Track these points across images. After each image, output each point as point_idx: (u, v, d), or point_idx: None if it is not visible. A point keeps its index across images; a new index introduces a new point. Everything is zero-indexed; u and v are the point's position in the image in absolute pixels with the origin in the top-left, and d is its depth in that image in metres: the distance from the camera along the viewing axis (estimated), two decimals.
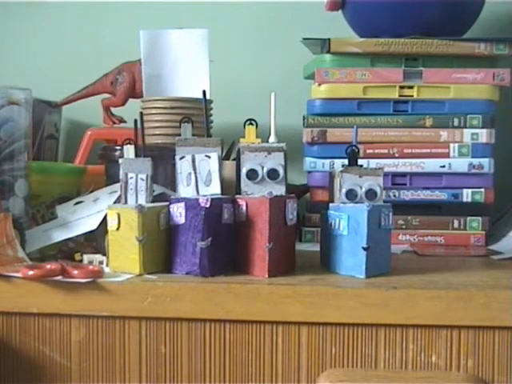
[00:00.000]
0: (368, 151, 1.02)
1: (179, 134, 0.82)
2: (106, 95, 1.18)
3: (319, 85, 1.03)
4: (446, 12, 1.04)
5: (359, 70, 1.02)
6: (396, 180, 1.02)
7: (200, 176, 0.79)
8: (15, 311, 0.75)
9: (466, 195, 1.02)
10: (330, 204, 0.81)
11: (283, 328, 0.73)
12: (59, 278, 0.74)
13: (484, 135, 1.01)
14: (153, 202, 0.80)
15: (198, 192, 0.79)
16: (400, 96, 1.02)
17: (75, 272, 0.74)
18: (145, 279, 0.75)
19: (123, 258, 0.77)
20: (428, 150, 1.02)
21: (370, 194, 0.79)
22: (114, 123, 1.19)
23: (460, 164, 1.01)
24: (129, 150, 0.82)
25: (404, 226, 1.03)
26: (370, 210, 0.75)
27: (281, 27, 1.31)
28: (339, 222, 0.78)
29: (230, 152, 1.14)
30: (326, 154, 1.03)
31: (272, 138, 0.83)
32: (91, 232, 0.84)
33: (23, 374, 0.76)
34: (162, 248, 0.78)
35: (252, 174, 0.79)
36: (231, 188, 0.82)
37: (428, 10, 1.03)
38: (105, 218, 0.80)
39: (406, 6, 1.03)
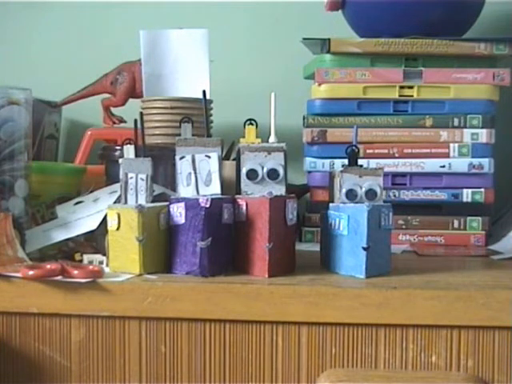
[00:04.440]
0: (368, 151, 1.02)
1: (179, 134, 0.82)
2: (106, 95, 1.18)
3: (319, 85, 1.03)
4: (446, 12, 1.04)
5: (359, 69, 1.02)
6: (396, 180, 1.02)
7: (200, 176, 0.79)
8: (15, 311, 0.75)
9: (466, 195, 1.02)
10: (330, 204, 0.81)
11: (283, 328, 0.73)
12: (59, 277, 0.74)
13: (484, 135, 1.01)
14: (153, 202, 0.80)
15: (198, 192, 0.79)
16: (400, 96, 1.02)
17: (75, 272, 0.74)
18: (145, 279, 0.75)
19: (123, 258, 0.77)
20: (428, 150, 1.02)
21: (370, 194, 0.79)
22: (114, 123, 1.19)
23: (460, 164, 1.01)
24: (129, 150, 0.82)
25: (404, 226, 1.03)
26: (370, 210, 0.75)
27: (281, 27, 1.31)
28: (339, 222, 0.78)
29: (230, 152, 1.14)
30: (326, 153, 1.03)
31: (272, 138, 0.83)
32: (91, 232, 0.84)
33: (23, 374, 0.76)
34: (161, 248, 0.78)
35: (252, 174, 0.79)
36: (231, 188, 0.82)
37: (428, 9, 1.03)
38: (105, 218, 0.80)
39: (406, 5, 1.03)
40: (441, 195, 1.02)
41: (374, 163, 1.01)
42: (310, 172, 1.05)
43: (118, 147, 0.96)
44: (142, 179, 0.80)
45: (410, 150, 1.02)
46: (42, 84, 1.13)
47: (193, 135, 0.82)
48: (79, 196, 0.95)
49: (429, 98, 1.02)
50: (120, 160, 0.81)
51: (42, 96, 1.18)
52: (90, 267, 0.76)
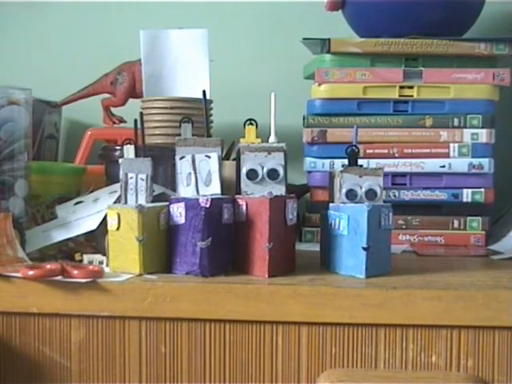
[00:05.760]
0: (368, 151, 1.02)
1: (179, 134, 0.82)
2: (106, 95, 1.18)
3: (319, 85, 1.03)
4: (446, 12, 1.04)
5: (359, 69, 1.02)
6: (396, 180, 1.02)
7: (200, 176, 0.79)
8: (15, 311, 0.75)
9: (466, 195, 1.02)
10: (330, 204, 0.81)
11: (283, 328, 0.73)
12: (59, 277, 0.74)
13: (484, 135, 1.01)
14: (153, 202, 0.80)
15: (198, 192, 0.79)
16: (400, 96, 1.02)
17: (75, 272, 0.74)
18: (145, 279, 0.75)
19: (123, 258, 0.77)
20: (428, 150, 1.02)
21: (370, 194, 0.79)
22: (114, 123, 1.19)
23: (460, 164, 1.01)
24: (129, 150, 0.82)
25: (404, 226, 1.03)
26: (370, 210, 0.75)
27: (281, 27, 1.31)
28: (339, 222, 0.78)
29: (230, 152, 1.14)
30: (326, 154, 1.03)
31: (272, 138, 0.83)
32: (91, 232, 0.84)
33: (23, 374, 0.76)
34: (161, 248, 0.78)
35: (252, 174, 0.79)
36: (231, 188, 0.82)
37: (428, 9, 1.03)
38: (105, 218, 0.80)
39: (406, 6, 1.03)
40: (441, 195, 1.02)
41: (374, 163, 1.01)
42: (310, 172, 1.05)
43: (118, 147, 0.96)
44: (142, 179, 0.80)
45: (410, 150, 1.02)
46: (42, 84, 1.13)
47: (193, 135, 0.82)
48: (79, 196, 0.95)
49: (429, 98, 1.02)
50: (120, 160, 0.81)
51: (42, 96, 1.18)
52: (90, 267, 0.76)
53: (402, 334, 0.72)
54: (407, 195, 1.02)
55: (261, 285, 0.73)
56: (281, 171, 0.79)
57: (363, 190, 0.79)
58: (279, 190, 0.79)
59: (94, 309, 0.74)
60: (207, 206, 0.75)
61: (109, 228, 0.79)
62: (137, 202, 0.79)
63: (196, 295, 0.72)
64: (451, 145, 1.01)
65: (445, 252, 0.97)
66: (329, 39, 1.03)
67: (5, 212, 0.81)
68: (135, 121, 0.82)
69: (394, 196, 1.02)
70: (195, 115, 0.92)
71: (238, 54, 1.32)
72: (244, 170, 0.79)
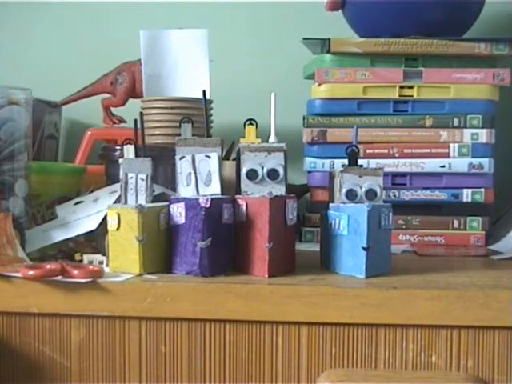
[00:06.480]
0: (368, 151, 1.02)
1: (179, 134, 0.82)
2: (106, 95, 1.18)
3: (319, 85, 1.03)
4: (446, 12, 1.04)
5: (359, 69, 1.02)
6: (396, 180, 1.02)
7: (200, 176, 0.79)
8: (15, 311, 0.75)
9: (466, 195, 1.02)
10: (330, 204, 0.81)
11: (283, 328, 0.73)
12: (59, 277, 0.74)
13: (484, 135, 1.01)
14: (153, 202, 0.80)
15: (198, 192, 0.79)
16: (400, 96, 1.02)
17: (75, 272, 0.74)
18: (145, 279, 0.75)
19: (123, 258, 0.77)
20: (428, 150, 1.02)
21: (370, 194, 0.79)
22: (114, 123, 1.19)
23: (460, 164, 1.01)
24: (129, 150, 0.82)
25: (404, 226, 1.03)
26: (370, 210, 0.75)
27: (281, 27, 1.31)
28: (339, 222, 0.78)
29: (230, 152, 1.14)
30: (326, 153, 1.03)
31: (272, 138, 0.83)
32: (91, 232, 0.84)
33: (23, 374, 0.76)
34: (161, 248, 0.78)
35: (252, 174, 0.79)
36: (231, 188, 0.82)
37: (428, 9, 1.03)
38: (105, 218, 0.80)
39: (406, 6, 1.03)
40: (441, 195, 1.02)
41: (374, 163, 1.01)
42: (310, 172, 1.05)
43: (118, 147, 0.96)
44: (142, 179, 0.80)
45: (410, 150, 1.02)
46: (42, 84, 1.13)
47: (193, 135, 0.82)
48: (79, 196, 0.95)
49: (429, 98, 1.02)
50: (120, 160, 0.81)
51: (42, 96, 1.18)
52: (90, 267, 0.76)
53: (401, 334, 0.72)
54: (407, 195, 1.02)
55: (261, 285, 0.73)
56: (281, 171, 0.79)
57: (363, 190, 0.79)
58: (279, 190, 0.79)
59: (94, 309, 0.74)
60: (207, 206, 0.75)
61: (109, 228, 0.79)
62: (137, 201, 0.79)
63: (196, 295, 0.72)
64: (451, 145, 1.01)
65: (445, 252, 0.97)
66: (329, 39, 1.03)
67: (5, 212, 0.81)
68: (135, 121, 0.82)
69: (394, 196, 1.02)
70: (195, 115, 0.92)
71: (238, 53, 1.32)
72: (244, 170, 0.79)
